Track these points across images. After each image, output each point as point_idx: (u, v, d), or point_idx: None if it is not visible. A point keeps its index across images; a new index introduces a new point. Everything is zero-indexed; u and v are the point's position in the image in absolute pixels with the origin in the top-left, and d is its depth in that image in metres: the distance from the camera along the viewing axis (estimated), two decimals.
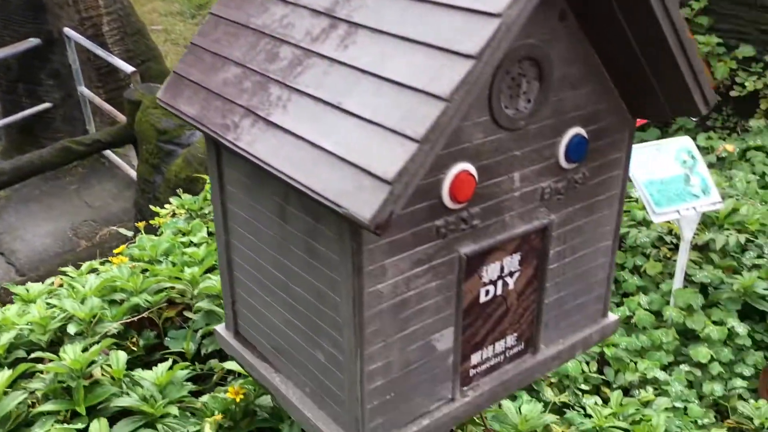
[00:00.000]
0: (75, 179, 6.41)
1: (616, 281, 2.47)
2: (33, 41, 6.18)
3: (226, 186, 1.10)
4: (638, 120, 1.12)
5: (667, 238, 2.64)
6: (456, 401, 1.06)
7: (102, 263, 2.01)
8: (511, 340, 1.11)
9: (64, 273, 1.97)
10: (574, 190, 1.07)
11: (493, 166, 0.95)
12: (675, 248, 2.55)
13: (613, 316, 1.26)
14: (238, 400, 1.34)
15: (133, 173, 5.80)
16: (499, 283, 1.04)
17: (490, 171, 0.95)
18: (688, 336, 2.35)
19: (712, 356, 2.20)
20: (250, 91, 0.95)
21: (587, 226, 1.12)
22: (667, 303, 2.36)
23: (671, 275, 2.41)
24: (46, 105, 6.47)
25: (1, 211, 6.20)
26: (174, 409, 1.35)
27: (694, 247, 2.66)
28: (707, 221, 2.73)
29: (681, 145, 2.21)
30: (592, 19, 0.95)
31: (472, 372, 1.07)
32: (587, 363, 2.03)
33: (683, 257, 2.31)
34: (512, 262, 1.04)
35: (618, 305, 2.36)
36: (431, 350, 1.01)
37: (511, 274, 1.05)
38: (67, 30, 6.16)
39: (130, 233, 2.60)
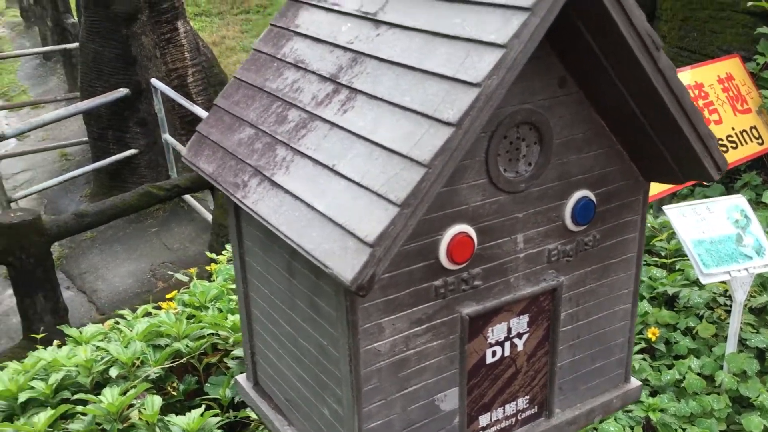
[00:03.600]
0: (156, 222, 6.70)
1: (667, 342, 2.36)
2: (123, 91, 6.56)
3: (244, 240, 1.15)
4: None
5: (722, 300, 2.52)
6: None
7: (155, 307, 2.10)
8: (522, 402, 1.09)
9: (120, 316, 2.06)
10: (584, 253, 1.05)
11: (493, 227, 0.95)
12: (730, 310, 2.43)
13: (635, 382, 1.21)
14: None
15: (210, 217, 6.01)
16: (507, 345, 1.03)
17: (490, 233, 0.95)
18: (742, 404, 2.21)
19: (765, 426, 2.06)
20: (260, 152, 1.00)
21: (601, 289, 1.10)
22: (720, 368, 2.24)
23: (725, 338, 2.30)
24: (133, 151, 6.83)
25: (86, 251, 6.53)
26: None
27: (751, 310, 2.52)
28: (765, 283, 2.59)
29: (733, 203, 2.12)
30: (594, 86, 0.95)
31: None
32: (632, 428, 1.95)
33: (736, 320, 2.19)
34: (520, 323, 1.03)
35: (669, 368, 2.25)
36: (435, 410, 1.00)
37: (519, 335, 1.04)
38: (154, 81, 6.52)
39: (180, 275, 2.69)
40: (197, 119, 6.74)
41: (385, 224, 0.76)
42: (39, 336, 2.16)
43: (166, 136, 6.74)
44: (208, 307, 1.99)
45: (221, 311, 1.96)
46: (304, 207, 0.87)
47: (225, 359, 1.77)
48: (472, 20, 0.84)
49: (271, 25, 1.15)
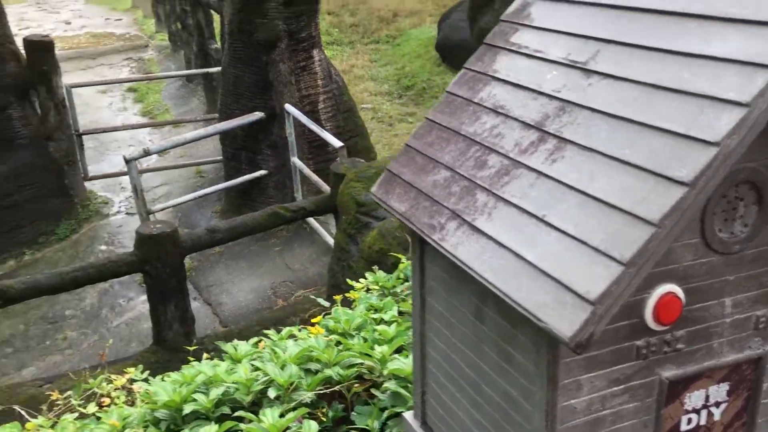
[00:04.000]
0: (279, 242, 6.93)
1: None
2: (258, 115, 6.87)
3: (427, 280, 1.15)
4: None
5: None
6: None
7: (299, 329, 2.15)
8: None
9: (265, 335, 2.12)
10: None
11: (702, 289, 0.91)
12: None
13: None
14: None
15: (331, 240, 6.15)
16: (704, 413, 0.98)
17: (698, 294, 0.91)
18: None
19: None
20: (458, 195, 1.00)
21: None
22: None
23: None
24: (263, 172, 7.12)
25: (214, 264, 6.84)
26: None
27: None
28: None
29: None
30: None
31: None
32: None
33: None
34: (719, 391, 0.98)
35: None
36: None
37: (717, 404, 0.98)
38: (288, 106, 6.79)
39: (322, 300, 2.75)
40: (325, 144, 6.95)
41: (609, 282, 0.74)
42: (192, 347, 2.26)
43: (295, 159, 6.98)
44: (353, 336, 2.02)
45: (366, 340, 1.99)
46: (510, 255, 0.87)
47: (371, 389, 1.79)
48: (703, 75, 0.81)
49: (466, 68, 1.16)
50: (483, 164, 1.00)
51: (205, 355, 2.08)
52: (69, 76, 7.65)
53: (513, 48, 1.11)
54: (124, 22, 15.64)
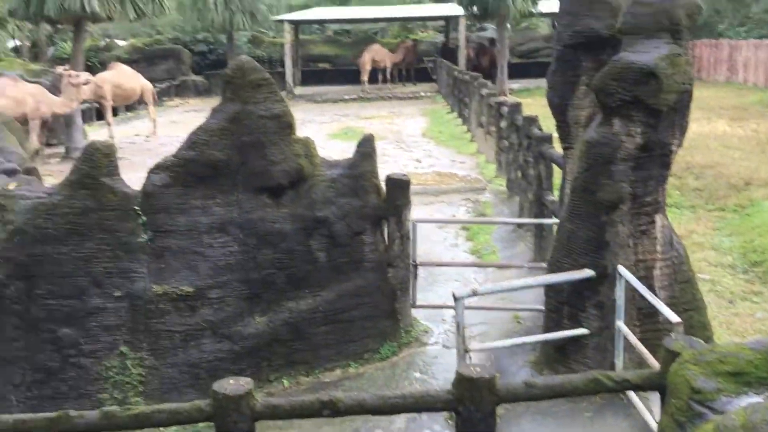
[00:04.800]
0: (591, 408, 6.53)
1: None
2: (588, 272, 6.74)
3: None
4: None
5: None
6: None
7: None
8: None
9: None
10: None
11: None
12: None
13: None
14: None
15: (652, 421, 5.62)
16: None
17: None
18: None
19: None
20: None
21: None
22: None
23: None
24: (584, 331, 6.88)
25: (519, 416, 6.66)
26: None
27: None
28: None
29: None
30: None
31: None
32: None
33: None
34: None
35: None
36: None
37: None
38: (621, 268, 6.56)
39: None
40: (655, 313, 6.52)
41: None
42: None
43: (621, 324, 6.63)
44: None
45: None
46: None
47: None
48: None
49: None
50: None
51: None
52: (414, 209, 8.40)
53: None
54: (467, 164, 16.98)
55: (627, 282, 6.49)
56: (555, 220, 8.29)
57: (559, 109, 7.26)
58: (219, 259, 7.09)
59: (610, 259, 6.73)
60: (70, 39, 29.06)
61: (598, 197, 6.61)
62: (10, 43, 41.67)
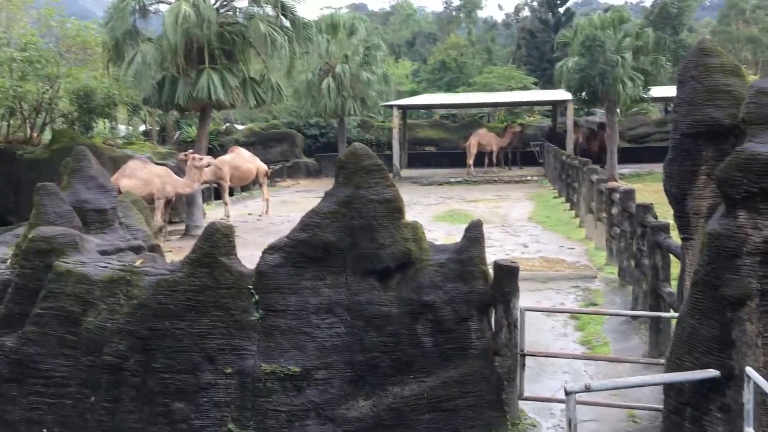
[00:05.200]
0: None
1: None
2: (713, 372, 6.30)
3: None
4: None
5: None
6: None
7: None
8: None
9: None
10: None
11: None
12: None
13: None
14: None
15: None
16: None
17: None
18: None
19: None
20: None
21: None
22: None
23: None
24: None
25: None
26: None
27: None
28: None
29: None
30: None
31: None
32: None
33: None
34: None
35: None
36: None
37: None
38: (749, 369, 6.10)
39: None
40: None
41: None
42: None
43: (750, 430, 6.12)
44: None
45: None
46: None
47: None
48: None
49: None
50: None
51: None
52: (520, 295, 8.21)
53: None
54: (576, 251, 16.56)
55: (756, 385, 6.01)
56: (674, 314, 7.86)
57: (678, 199, 7.01)
58: (326, 340, 7.17)
59: (737, 360, 6.27)
60: (195, 123, 31.23)
61: (723, 293, 6.24)
62: (141, 127, 45.21)
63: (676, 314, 7.52)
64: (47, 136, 26.79)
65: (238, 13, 21.08)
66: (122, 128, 39.44)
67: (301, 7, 20.83)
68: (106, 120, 29.82)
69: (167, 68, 19.91)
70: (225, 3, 20.86)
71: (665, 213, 8.26)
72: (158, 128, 44.05)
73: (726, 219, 6.23)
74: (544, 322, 10.97)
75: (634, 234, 11.16)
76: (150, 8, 19.90)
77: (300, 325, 7.13)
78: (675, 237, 8.09)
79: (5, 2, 26.75)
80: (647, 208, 10.46)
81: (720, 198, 6.42)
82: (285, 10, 20.50)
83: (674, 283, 8.78)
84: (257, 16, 19.94)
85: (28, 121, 26.62)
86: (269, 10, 20.51)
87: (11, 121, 26.77)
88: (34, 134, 26.72)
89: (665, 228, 9.36)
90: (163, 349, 6.95)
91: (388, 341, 7.25)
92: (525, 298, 10.15)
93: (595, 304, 11.90)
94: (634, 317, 10.26)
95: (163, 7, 19.97)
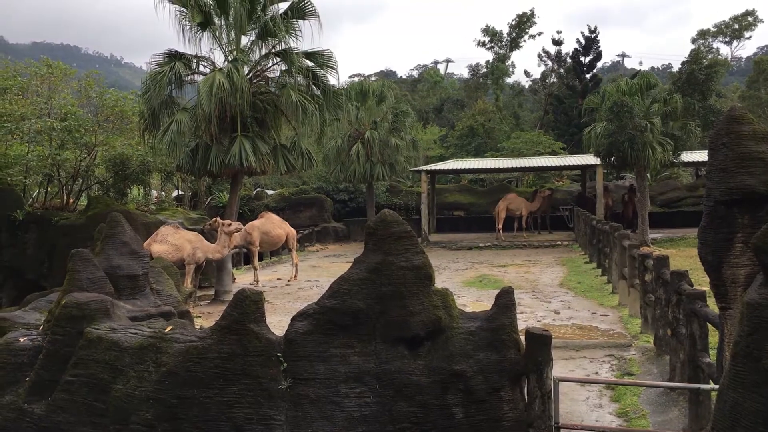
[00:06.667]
0: None
1: None
2: None
3: None
4: None
5: None
6: None
7: None
8: None
9: None
10: None
11: None
12: None
13: None
14: None
15: None
16: None
17: None
18: None
19: None
20: None
21: None
22: None
23: None
24: None
25: None
26: None
27: None
28: None
29: None
30: None
31: None
32: None
33: None
34: None
35: None
36: None
37: None
38: None
39: None
40: None
41: None
42: None
43: None
44: None
45: None
46: None
47: None
48: None
49: None
50: None
51: None
52: (553, 365, 8.01)
53: None
54: (609, 318, 16.21)
55: None
56: (714, 386, 7.59)
57: (714, 267, 6.86)
58: (354, 410, 7.03)
59: None
60: (227, 189, 31.74)
61: (765, 365, 6.02)
62: (174, 193, 46.09)
63: (716, 386, 7.26)
64: (83, 202, 27.39)
65: (270, 83, 21.62)
66: (154, 193, 40.22)
67: (331, 74, 21.06)
68: (140, 186, 30.45)
69: (201, 136, 20.38)
70: (258, 73, 21.43)
71: (701, 279, 8.08)
72: (190, 194, 44.84)
73: (765, 288, 6.06)
74: (579, 393, 10.65)
75: (669, 302, 10.91)
76: (185, 79, 20.51)
77: (328, 394, 7.02)
78: (712, 304, 7.88)
79: (47, 74, 27.81)
80: (682, 275, 10.24)
81: (758, 266, 6.27)
82: (316, 80, 20.98)
83: (713, 353, 8.51)
84: (289, 86, 20.42)
85: (65, 187, 27.29)
86: (300, 79, 21.01)
87: (49, 188, 27.46)
88: (71, 200, 27.35)
89: (702, 296, 9.13)
90: (190, 418, 6.87)
91: (418, 412, 7.09)
92: (557, 367, 9.91)
93: (630, 374, 11.56)
94: (672, 389, 9.93)
95: (198, 78, 20.58)
